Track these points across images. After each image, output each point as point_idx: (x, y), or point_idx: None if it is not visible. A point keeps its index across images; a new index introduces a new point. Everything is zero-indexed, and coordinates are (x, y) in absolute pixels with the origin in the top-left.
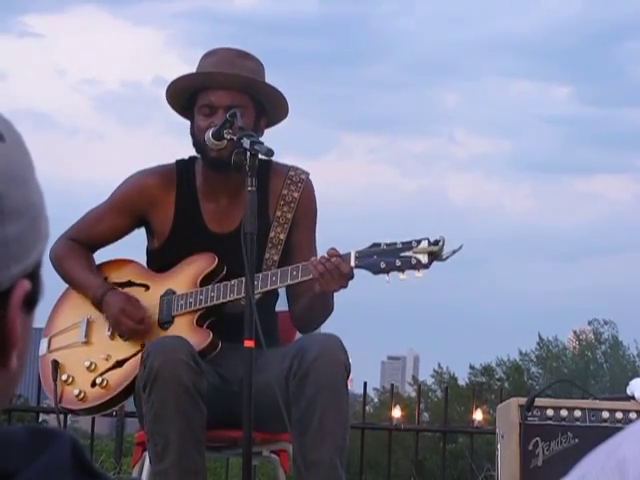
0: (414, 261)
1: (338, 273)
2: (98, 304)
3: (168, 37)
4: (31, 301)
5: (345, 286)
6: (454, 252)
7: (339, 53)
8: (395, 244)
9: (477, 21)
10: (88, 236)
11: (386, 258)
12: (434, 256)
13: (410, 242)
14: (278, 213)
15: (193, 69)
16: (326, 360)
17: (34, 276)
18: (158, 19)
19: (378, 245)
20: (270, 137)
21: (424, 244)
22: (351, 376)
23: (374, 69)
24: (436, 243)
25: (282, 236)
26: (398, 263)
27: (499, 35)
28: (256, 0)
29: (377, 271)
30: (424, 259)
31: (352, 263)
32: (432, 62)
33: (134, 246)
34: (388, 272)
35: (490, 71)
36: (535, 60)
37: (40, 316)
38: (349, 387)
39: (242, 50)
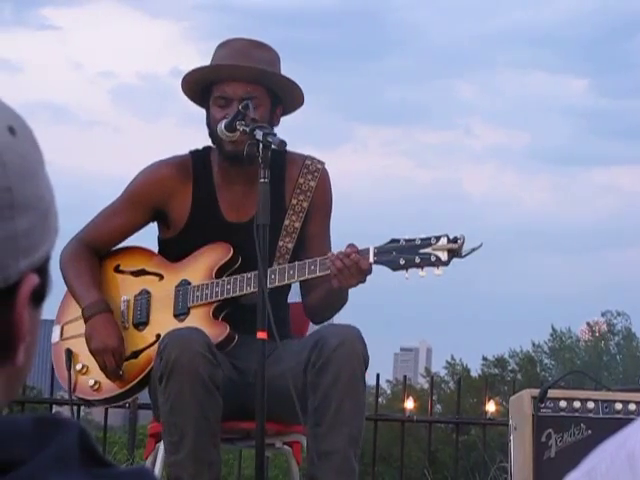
0: (433, 258)
1: (357, 269)
2: (85, 321)
3: (186, 29)
4: (39, 295)
5: (363, 281)
6: (473, 250)
7: (355, 44)
8: (414, 240)
9: (494, 12)
10: (102, 234)
11: (405, 255)
12: (454, 253)
13: (429, 238)
14: (294, 201)
15: (210, 62)
16: (345, 351)
17: (43, 270)
18: (176, 11)
19: (397, 241)
20: (285, 129)
21: (443, 241)
22: None
23: (390, 61)
24: (455, 240)
25: (297, 224)
26: (417, 260)
27: (516, 27)
28: None
29: (396, 267)
30: (444, 256)
31: (371, 259)
32: (448, 54)
33: (143, 234)
34: (407, 269)
35: (507, 63)
36: (552, 52)
37: (52, 305)
38: None
39: (256, 40)
